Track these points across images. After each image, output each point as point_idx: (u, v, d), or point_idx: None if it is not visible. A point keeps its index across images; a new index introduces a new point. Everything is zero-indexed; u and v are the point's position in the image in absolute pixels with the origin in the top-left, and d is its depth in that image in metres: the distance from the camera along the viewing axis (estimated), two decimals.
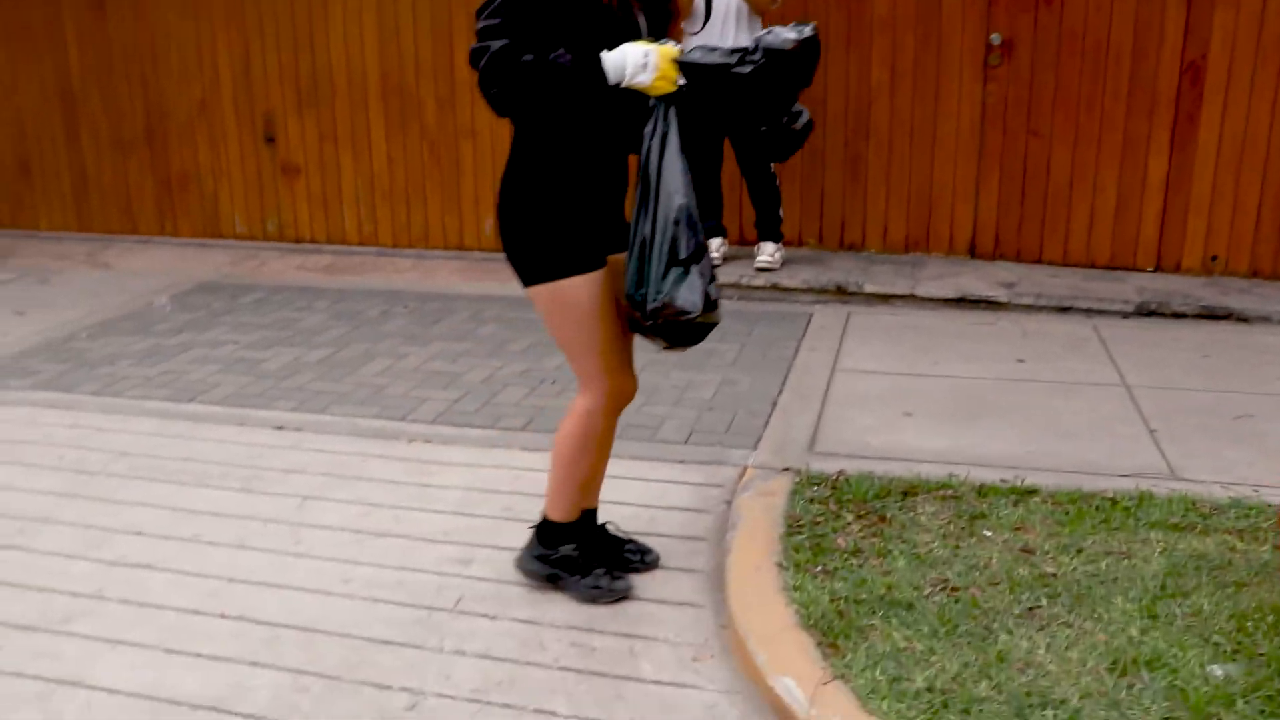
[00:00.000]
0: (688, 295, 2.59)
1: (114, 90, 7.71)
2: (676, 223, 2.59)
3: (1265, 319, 5.73)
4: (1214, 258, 6.39)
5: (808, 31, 2.62)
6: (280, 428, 4.39)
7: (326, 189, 7.47)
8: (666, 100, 2.62)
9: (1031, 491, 3.67)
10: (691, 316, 2.60)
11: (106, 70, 7.68)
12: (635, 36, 2.72)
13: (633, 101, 2.67)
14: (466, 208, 7.25)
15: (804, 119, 2.79)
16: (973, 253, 6.66)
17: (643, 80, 2.57)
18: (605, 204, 2.88)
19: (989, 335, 5.57)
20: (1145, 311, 5.83)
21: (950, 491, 3.68)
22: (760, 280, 6.22)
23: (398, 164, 7.30)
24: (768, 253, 6.33)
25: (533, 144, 2.77)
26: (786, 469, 3.86)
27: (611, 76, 2.57)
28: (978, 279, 6.25)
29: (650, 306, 2.63)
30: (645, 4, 2.79)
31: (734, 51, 2.61)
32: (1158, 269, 6.45)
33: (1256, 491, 3.67)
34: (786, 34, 2.60)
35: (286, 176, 7.51)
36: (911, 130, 6.57)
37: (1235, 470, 3.91)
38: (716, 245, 6.43)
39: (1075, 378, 4.93)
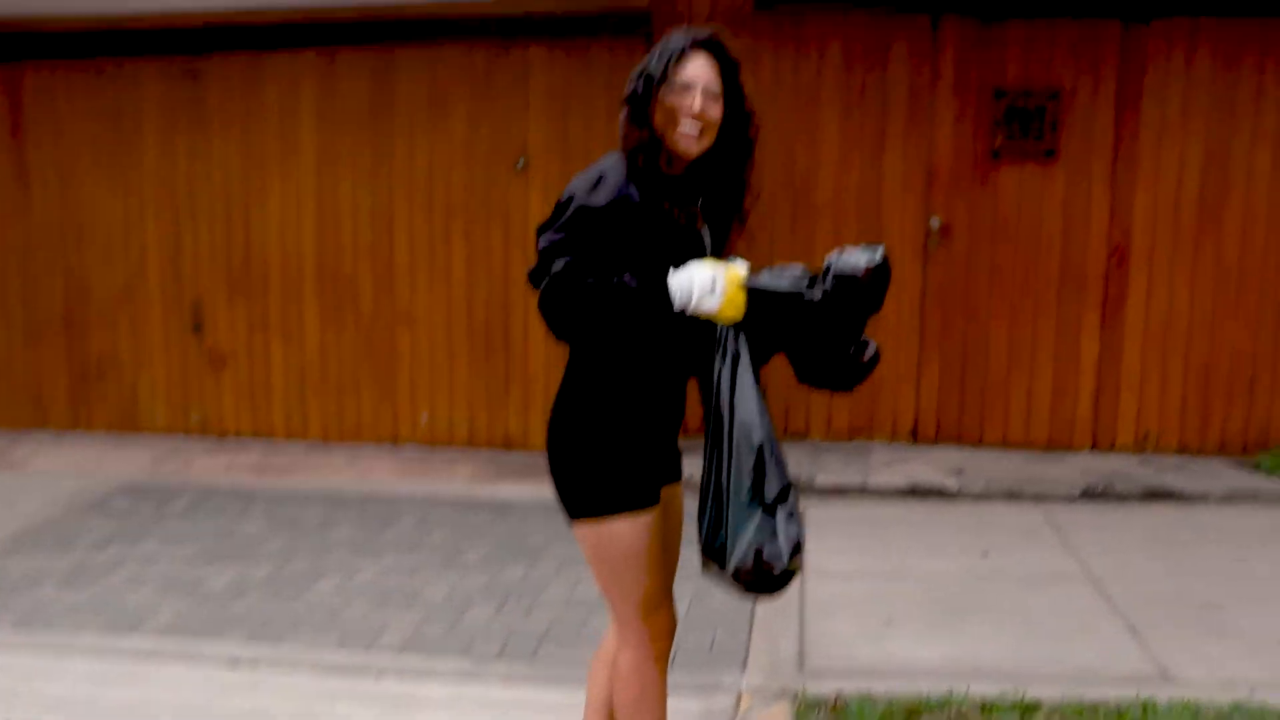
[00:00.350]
0: (773, 546, 2.37)
1: (33, 271, 7.41)
2: (758, 462, 2.38)
3: (1203, 497, 5.85)
4: (1146, 435, 6.53)
5: (879, 257, 2.46)
6: (235, 663, 4.08)
7: (255, 380, 7.23)
8: (735, 326, 2.47)
9: (1033, 707, 3.58)
10: (779, 568, 2.39)
11: (25, 249, 7.39)
12: (700, 251, 2.59)
13: (695, 323, 2.54)
14: (402, 399, 7.07)
15: (871, 350, 2.59)
16: (915, 437, 6.71)
17: (709, 306, 2.43)
18: (662, 435, 2.69)
19: (946, 526, 5.55)
20: (1091, 495, 5.89)
21: (954, 709, 3.57)
22: None
23: (331, 353, 7.12)
24: None
25: (588, 368, 2.60)
26: (784, 693, 3.71)
27: (677, 301, 2.43)
28: (926, 466, 6.26)
29: (734, 563, 2.39)
30: (710, 216, 2.65)
31: (803, 276, 2.46)
32: (1094, 447, 6.57)
33: (1252, 692, 3.66)
34: (858, 259, 2.44)
35: (213, 366, 7.26)
36: None
37: (1224, 667, 3.92)
38: None
39: (1041, 570, 4.91)
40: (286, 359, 7.17)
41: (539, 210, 6.76)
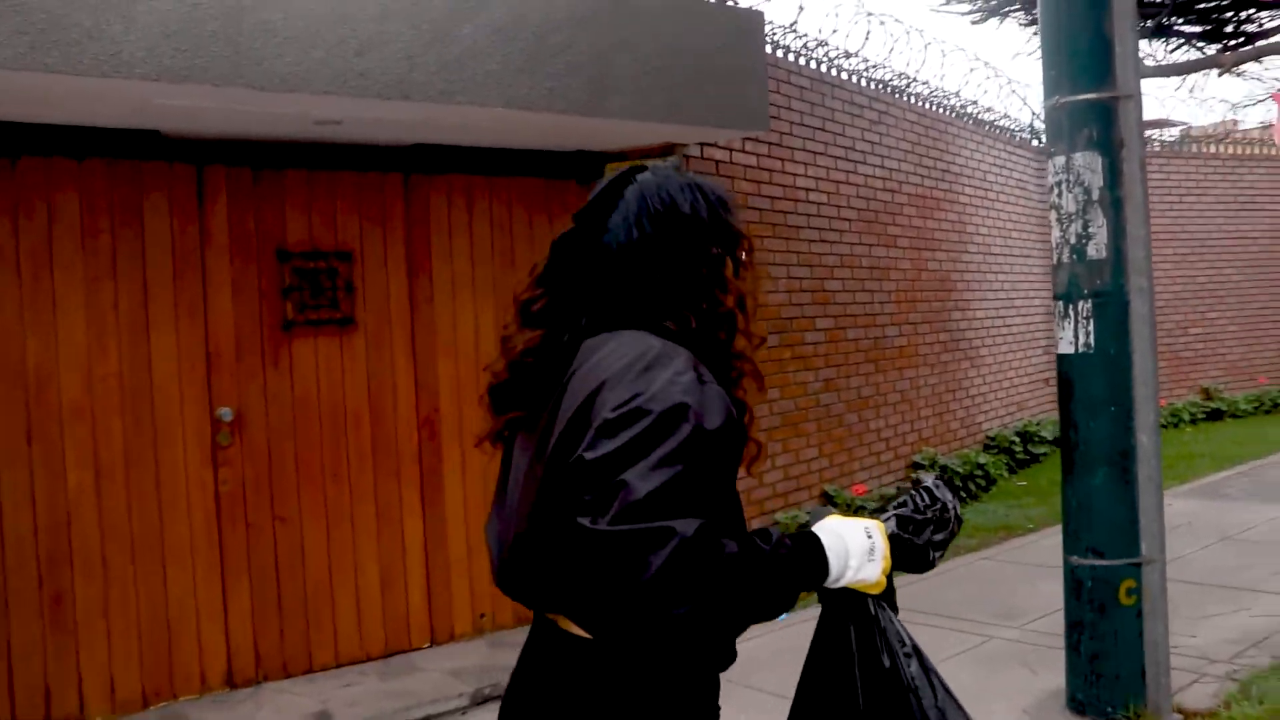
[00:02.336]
0: None
1: None
2: None
3: None
4: (483, 615, 5.95)
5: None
6: None
7: None
8: (878, 598, 1.78)
9: None
10: None
11: None
12: None
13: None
14: None
15: None
16: (232, 683, 5.22)
17: (868, 576, 1.71)
18: None
19: None
20: (481, 699, 5.10)
21: None
22: None
23: None
24: None
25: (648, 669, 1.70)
26: None
27: (833, 572, 1.67)
28: (275, 717, 4.88)
29: None
30: None
31: (924, 512, 1.82)
32: (433, 643, 5.78)
33: None
34: (938, 484, 1.88)
35: None
36: (132, 543, 4.99)
37: None
38: None
39: None
40: None
41: None
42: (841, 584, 1.71)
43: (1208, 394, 13.52)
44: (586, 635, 1.70)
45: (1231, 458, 10.62)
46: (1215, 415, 13.28)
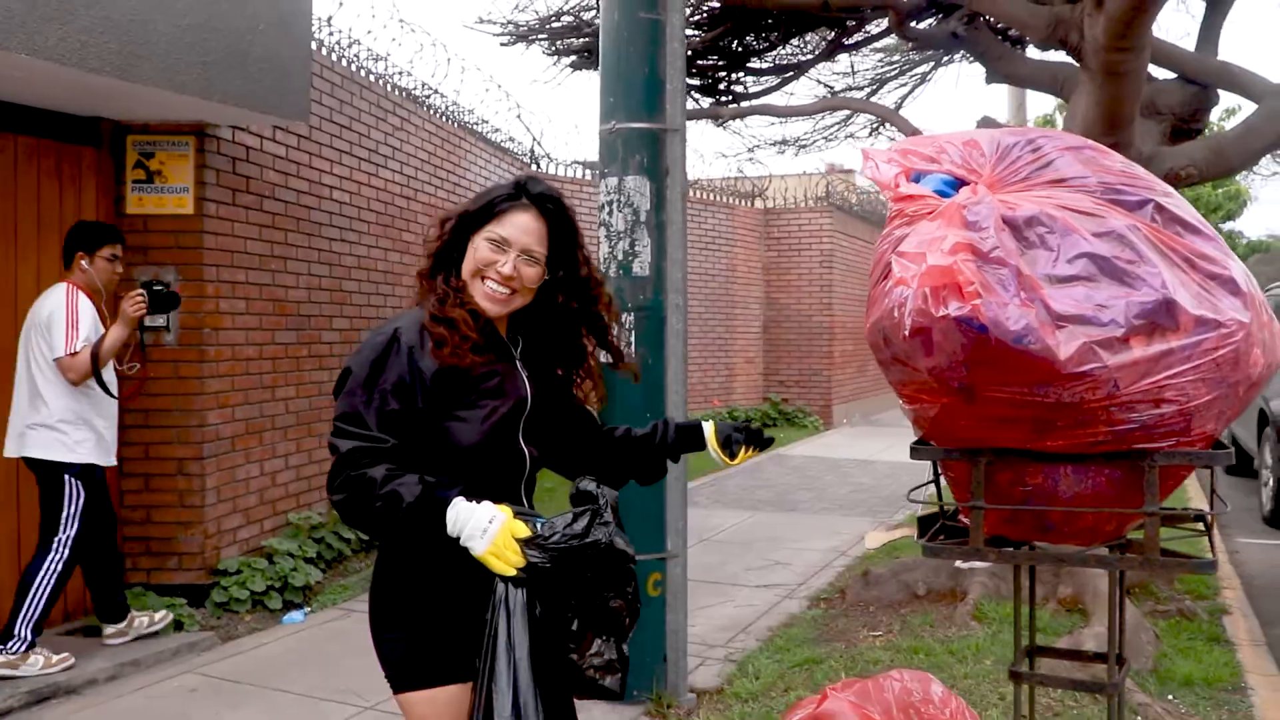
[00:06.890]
0: None
1: None
2: None
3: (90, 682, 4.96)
4: None
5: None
6: None
7: None
8: (507, 581, 2.12)
9: None
10: None
11: None
12: (521, 405, 2.38)
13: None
14: None
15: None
16: None
17: (475, 548, 2.08)
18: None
19: None
20: None
21: None
22: None
23: None
24: None
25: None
26: None
27: (450, 529, 2.10)
28: None
29: None
30: (537, 367, 2.47)
31: (575, 517, 2.12)
32: None
33: None
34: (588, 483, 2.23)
35: None
36: None
37: None
38: None
39: None
40: None
41: None
42: (462, 543, 2.08)
43: None
44: None
45: (696, 470, 11.90)
46: None
